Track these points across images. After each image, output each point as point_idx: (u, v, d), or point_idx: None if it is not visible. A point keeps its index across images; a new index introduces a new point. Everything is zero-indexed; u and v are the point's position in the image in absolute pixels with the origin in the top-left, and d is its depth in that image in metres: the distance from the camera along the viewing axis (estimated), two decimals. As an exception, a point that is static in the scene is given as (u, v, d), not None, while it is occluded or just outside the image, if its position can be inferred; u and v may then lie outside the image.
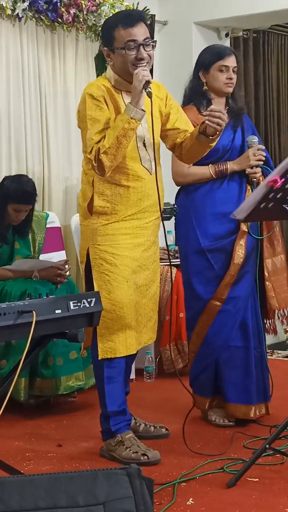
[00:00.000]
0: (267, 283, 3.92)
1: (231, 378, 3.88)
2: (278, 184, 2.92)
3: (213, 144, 3.44)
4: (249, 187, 3.88)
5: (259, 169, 3.86)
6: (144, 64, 3.29)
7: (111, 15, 5.31)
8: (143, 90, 3.22)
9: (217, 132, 3.35)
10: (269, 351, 6.34)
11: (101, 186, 3.40)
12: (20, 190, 4.25)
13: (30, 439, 3.82)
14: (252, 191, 3.84)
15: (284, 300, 3.98)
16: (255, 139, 3.84)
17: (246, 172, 3.84)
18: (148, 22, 3.38)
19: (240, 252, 3.82)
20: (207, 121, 3.29)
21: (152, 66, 3.44)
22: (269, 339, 5.91)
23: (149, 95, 3.23)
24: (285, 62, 7.35)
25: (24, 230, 4.42)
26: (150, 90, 3.23)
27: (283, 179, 2.93)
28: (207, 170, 3.83)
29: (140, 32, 3.29)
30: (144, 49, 3.30)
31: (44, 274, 4.28)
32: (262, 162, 3.85)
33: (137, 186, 3.40)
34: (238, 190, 3.86)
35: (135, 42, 3.28)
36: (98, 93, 3.34)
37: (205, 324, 3.89)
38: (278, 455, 3.29)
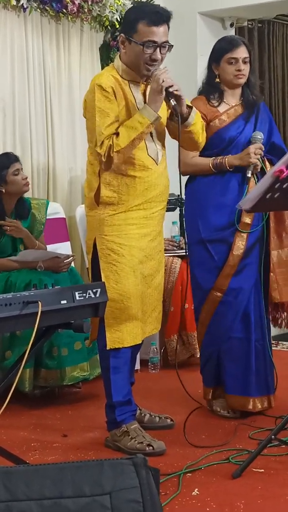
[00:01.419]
0: (271, 274, 3.91)
1: (231, 369, 3.89)
2: (285, 174, 2.91)
3: (189, 128, 3.39)
4: (252, 178, 3.85)
5: (259, 162, 3.82)
6: (155, 64, 3.30)
7: (116, 5, 5.33)
8: (162, 94, 3.25)
9: (183, 113, 3.31)
10: (273, 342, 6.36)
11: (107, 176, 3.39)
12: (5, 155, 4.44)
13: (35, 430, 3.83)
14: (256, 181, 3.83)
15: (285, 294, 3.94)
16: (259, 135, 3.81)
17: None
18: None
19: (240, 243, 3.82)
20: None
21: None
22: (274, 330, 5.91)
23: (168, 101, 3.28)
24: (290, 52, 7.33)
25: (24, 209, 4.44)
26: (173, 101, 3.25)
27: (290, 169, 2.92)
28: (208, 162, 3.82)
29: (162, 33, 3.29)
30: (160, 51, 3.30)
31: (49, 264, 4.28)
32: (258, 162, 3.80)
33: (144, 176, 3.40)
34: (240, 181, 3.84)
35: (154, 43, 3.27)
36: (107, 84, 3.33)
37: (207, 314, 3.90)
38: (284, 446, 3.28)
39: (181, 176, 3.49)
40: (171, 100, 3.26)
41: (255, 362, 3.87)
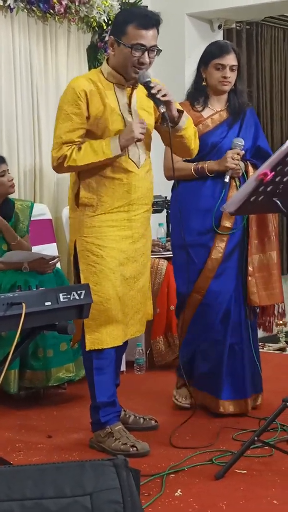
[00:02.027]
0: (249, 278, 3.92)
1: (204, 369, 3.95)
2: (269, 177, 2.92)
3: (180, 132, 3.39)
4: (234, 183, 3.89)
5: (241, 164, 3.84)
6: (144, 68, 3.31)
7: (103, 6, 5.34)
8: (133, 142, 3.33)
9: (174, 117, 3.33)
10: (260, 344, 6.39)
11: (87, 177, 3.41)
12: None
13: (20, 430, 3.83)
14: (238, 186, 3.86)
15: (264, 298, 3.95)
16: (239, 141, 3.83)
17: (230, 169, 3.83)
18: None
19: (219, 247, 3.86)
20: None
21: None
22: (260, 332, 5.94)
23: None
24: (278, 54, 7.36)
25: (8, 210, 4.43)
26: (162, 108, 3.26)
27: (274, 172, 2.93)
28: (190, 167, 3.85)
29: (151, 36, 3.30)
30: (149, 55, 3.31)
31: (34, 265, 4.28)
32: (237, 167, 3.81)
33: (123, 178, 3.40)
34: (222, 186, 3.85)
35: (143, 46, 3.28)
36: (80, 87, 3.34)
37: (188, 316, 3.94)
38: (267, 447, 3.30)
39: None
40: (160, 107, 3.26)
41: (229, 365, 3.91)
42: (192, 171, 3.84)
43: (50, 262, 4.31)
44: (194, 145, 3.54)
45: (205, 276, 3.87)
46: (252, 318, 3.98)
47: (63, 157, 3.32)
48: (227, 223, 3.85)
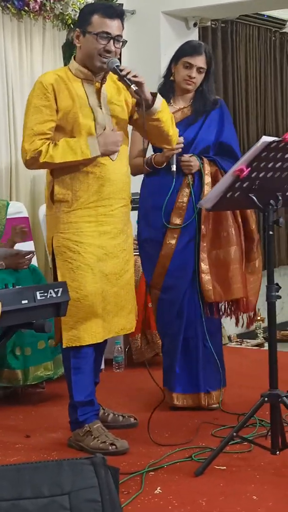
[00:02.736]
0: (202, 275, 3.90)
1: (165, 363, 4.04)
2: (245, 173, 2.93)
3: (156, 115, 3.37)
4: (187, 180, 3.91)
5: (192, 159, 3.88)
6: (110, 56, 3.31)
7: (78, 4, 5.32)
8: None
9: (148, 99, 3.31)
10: (238, 340, 6.41)
11: (60, 173, 3.39)
12: None
13: (-3, 431, 3.81)
14: (192, 182, 3.90)
15: (219, 294, 3.93)
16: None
17: (181, 163, 3.87)
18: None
19: (170, 243, 3.90)
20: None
21: (120, 55, 3.45)
22: (238, 328, 5.95)
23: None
24: (253, 52, 7.37)
25: None
26: (134, 86, 3.25)
27: (249, 168, 2.94)
28: (142, 162, 3.87)
29: (115, 26, 3.32)
30: (114, 44, 3.32)
31: (9, 261, 4.24)
32: (176, 151, 3.82)
33: (97, 171, 3.38)
34: (171, 181, 3.87)
35: (108, 34, 3.29)
36: (48, 81, 3.35)
37: (154, 310, 4.09)
38: (245, 443, 3.30)
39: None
40: (132, 86, 3.25)
41: (182, 359, 3.96)
42: (143, 163, 3.85)
43: (25, 257, 4.27)
44: (172, 130, 3.51)
45: (158, 272, 3.95)
46: (209, 314, 3.97)
47: (38, 152, 3.29)
48: (177, 220, 3.90)
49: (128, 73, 3.26)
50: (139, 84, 3.28)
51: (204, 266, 3.91)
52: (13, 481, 1.85)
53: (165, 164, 3.88)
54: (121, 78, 3.28)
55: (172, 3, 6.00)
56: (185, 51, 3.92)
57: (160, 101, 3.40)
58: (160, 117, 3.41)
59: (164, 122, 3.44)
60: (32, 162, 3.35)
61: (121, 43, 3.36)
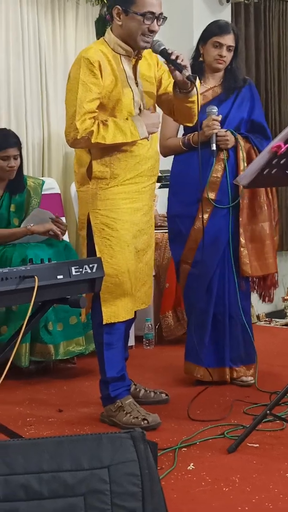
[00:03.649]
0: (242, 249, 3.96)
1: (190, 337, 4.03)
2: (282, 149, 2.90)
3: (192, 98, 3.37)
4: (222, 155, 3.92)
5: (228, 134, 3.90)
6: (152, 36, 3.30)
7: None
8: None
9: (188, 85, 3.30)
10: (267, 319, 6.39)
11: (99, 151, 3.38)
12: (5, 136, 4.32)
13: (30, 405, 3.84)
14: (226, 157, 3.91)
15: (256, 268, 4.01)
16: (213, 109, 3.88)
17: (217, 137, 3.87)
18: None
19: (203, 217, 3.88)
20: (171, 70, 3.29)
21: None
22: (267, 307, 5.94)
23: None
24: (286, 28, 7.27)
25: (18, 186, 4.41)
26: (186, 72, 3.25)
27: (287, 145, 2.91)
28: (179, 142, 3.95)
29: (158, 4, 3.30)
30: (157, 23, 3.30)
31: (37, 230, 4.27)
32: (216, 130, 3.85)
33: (134, 150, 3.39)
34: (208, 158, 3.88)
35: (153, 14, 3.27)
36: (94, 58, 3.29)
37: (182, 285, 4.10)
38: (278, 421, 3.30)
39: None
40: (183, 71, 3.24)
41: (211, 334, 3.99)
42: (181, 144, 3.93)
43: (61, 226, 4.30)
44: (197, 111, 3.51)
45: (189, 247, 3.97)
46: (245, 288, 4.01)
47: (89, 131, 3.24)
48: (211, 195, 3.92)
49: (177, 57, 3.24)
50: (186, 68, 3.27)
51: (242, 240, 3.95)
52: (53, 453, 1.86)
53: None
54: (171, 62, 3.26)
55: (206, -21, 5.94)
56: (213, 31, 3.95)
57: (197, 82, 3.39)
58: (195, 100, 3.41)
59: (197, 104, 3.44)
60: (82, 141, 3.28)
61: (161, 20, 3.32)
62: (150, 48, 3.33)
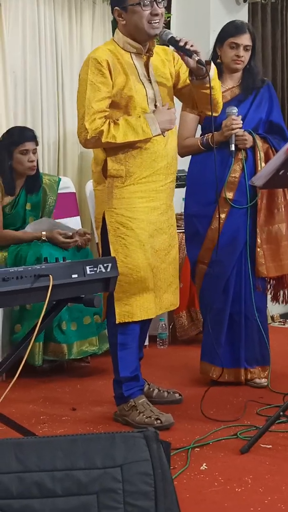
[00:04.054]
0: (258, 249, 3.96)
1: (206, 337, 4.02)
2: (298, 151, 2.90)
3: (207, 84, 3.35)
4: (241, 155, 3.91)
5: (247, 135, 3.89)
6: (158, 21, 3.29)
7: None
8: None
9: (203, 70, 3.29)
10: (281, 320, 6.37)
11: (114, 149, 3.38)
12: (21, 130, 4.37)
13: (44, 403, 3.85)
14: (244, 157, 3.90)
15: (271, 269, 4.00)
16: (233, 109, 3.88)
17: (236, 138, 3.86)
18: None
19: (220, 217, 3.88)
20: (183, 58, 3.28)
21: (169, 26, 3.42)
22: (282, 308, 5.91)
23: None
24: (303, 28, 7.25)
25: (35, 184, 4.41)
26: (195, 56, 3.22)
27: (303, 146, 2.91)
28: (197, 141, 3.94)
29: None
30: (157, 5, 3.28)
31: (50, 237, 4.28)
32: (235, 131, 3.84)
33: (150, 147, 3.38)
34: (226, 158, 3.89)
35: None
36: (102, 57, 3.30)
37: (198, 286, 4.09)
38: (292, 422, 3.30)
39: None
40: (193, 56, 3.23)
41: (228, 334, 3.99)
42: (199, 143, 3.93)
43: (66, 240, 4.30)
44: (219, 98, 3.52)
45: (207, 247, 3.96)
46: (261, 289, 4.01)
47: (99, 131, 3.25)
48: (229, 194, 3.91)
49: (185, 43, 3.23)
50: (197, 53, 3.26)
51: (259, 240, 3.95)
52: (67, 451, 1.87)
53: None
54: (180, 49, 3.26)
55: (223, -22, 5.93)
56: (229, 31, 3.95)
57: (213, 68, 3.39)
58: (214, 85, 3.39)
59: (216, 90, 3.45)
60: (93, 141, 3.29)
61: (163, 2, 3.30)
62: (159, 34, 3.30)
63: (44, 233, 4.27)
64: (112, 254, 3.34)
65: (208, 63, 3.34)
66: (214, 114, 3.57)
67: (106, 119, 3.29)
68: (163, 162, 3.43)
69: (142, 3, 3.26)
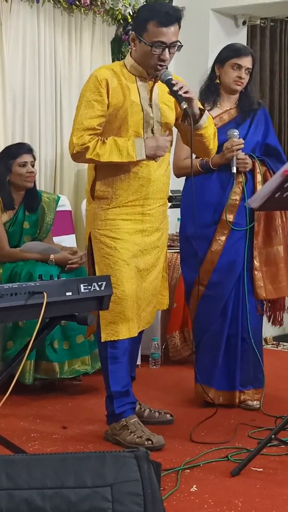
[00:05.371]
0: (255, 272, 3.97)
1: (201, 359, 4.01)
2: (294, 173, 2.90)
3: (200, 131, 3.39)
4: (241, 178, 3.93)
5: (246, 157, 3.90)
6: (165, 65, 3.31)
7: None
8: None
9: (195, 115, 3.31)
10: (274, 342, 6.37)
11: (103, 170, 3.40)
12: (19, 145, 4.46)
13: (35, 420, 3.83)
14: (244, 181, 3.91)
15: (270, 291, 4.01)
16: (235, 132, 3.89)
17: (236, 160, 3.87)
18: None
19: (220, 240, 3.92)
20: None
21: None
22: (275, 330, 5.91)
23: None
24: (302, 52, 7.30)
25: (34, 202, 4.42)
26: (184, 104, 3.25)
27: (299, 169, 2.92)
28: (196, 163, 3.92)
29: (171, 33, 3.28)
30: (169, 51, 3.30)
31: (60, 258, 4.28)
32: (237, 153, 3.85)
33: (138, 171, 3.40)
34: (225, 180, 3.91)
35: (163, 43, 3.27)
36: (102, 76, 3.34)
37: (193, 308, 4.05)
38: (283, 446, 3.28)
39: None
40: (181, 103, 3.26)
41: (224, 356, 3.98)
42: (198, 166, 3.92)
43: (75, 259, 4.31)
44: (212, 145, 3.55)
45: (205, 269, 3.95)
46: (261, 312, 4.02)
47: (85, 147, 3.30)
48: (229, 217, 3.92)
49: (180, 88, 3.25)
50: (189, 100, 3.28)
51: (256, 263, 3.96)
52: (57, 470, 1.86)
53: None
54: (173, 93, 3.28)
55: (222, 1, 5.96)
56: (233, 53, 3.96)
57: (206, 117, 3.42)
58: (204, 133, 3.43)
59: (207, 138, 3.47)
60: (78, 156, 3.36)
61: (176, 48, 3.33)
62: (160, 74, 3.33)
63: (52, 256, 4.27)
64: (97, 274, 3.36)
65: (202, 110, 3.37)
66: (206, 158, 3.67)
67: (95, 136, 3.32)
68: (152, 188, 3.44)
69: (154, 46, 3.28)
